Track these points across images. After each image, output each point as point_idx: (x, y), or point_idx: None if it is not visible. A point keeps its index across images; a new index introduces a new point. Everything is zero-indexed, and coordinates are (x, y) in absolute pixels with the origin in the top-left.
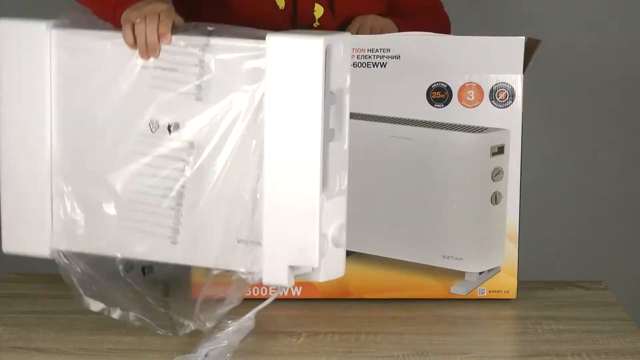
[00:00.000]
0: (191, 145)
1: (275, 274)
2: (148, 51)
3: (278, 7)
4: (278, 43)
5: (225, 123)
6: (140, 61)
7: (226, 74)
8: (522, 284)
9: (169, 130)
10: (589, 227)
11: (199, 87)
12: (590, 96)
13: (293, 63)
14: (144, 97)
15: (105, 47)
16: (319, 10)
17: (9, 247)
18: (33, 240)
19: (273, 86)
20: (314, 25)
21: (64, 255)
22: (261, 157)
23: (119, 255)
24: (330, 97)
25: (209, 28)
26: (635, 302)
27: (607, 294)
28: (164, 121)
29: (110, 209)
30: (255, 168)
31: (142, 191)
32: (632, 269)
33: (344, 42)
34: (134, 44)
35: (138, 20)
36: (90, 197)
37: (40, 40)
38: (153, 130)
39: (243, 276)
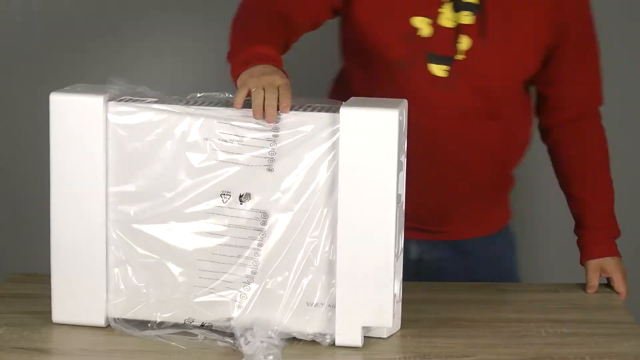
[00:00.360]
0: (264, 214)
1: (348, 335)
2: (266, 116)
3: (419, 34)
4: (352, 115)
5: (296, 192)
6: (207, 134)
7: (298, 145)
8: (526, 287)
9: (241, 200)
10: None
11: (270, 159)
12: None
13: (368, 134)
14: (215, 168)
15: (169, 120)
16: (464, 42)
17: (60, 318)
18: (87, 309)
19: (347, 156)
20: (459, 57)
21: (121, 321)
22: (332, 223)
23: (184, 322)
24: (399, 165)
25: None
26: None
27: (613, 296)
28: (236, 192)
29: (179, 276)
30: (326, 234)
31: (213, 260)
32: (639, 272)
33: (405, 109)
34: (241, 104)
35: (255, 90)
36: (154, 266)
37: (96, 114)
38: (225, 201)
39: (315, 339)
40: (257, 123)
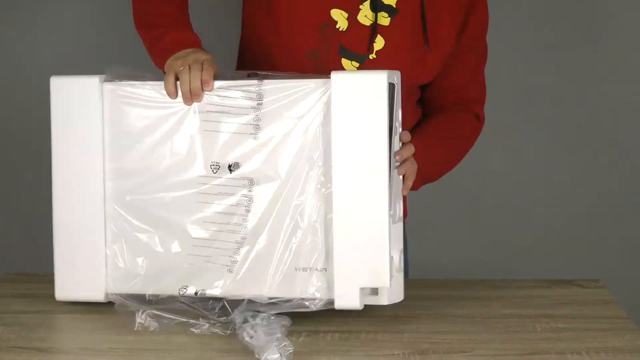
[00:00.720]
0: (250, 181)
1: (347, 297)
2: (192, 97)
3: (336, 27)
4: (343, 79)
5: (281, 158)
6: (196, 107)
7: (282, 111)
8: (520, 283)
9: (230, 169)
10: (586, 225)
11: (256, 126)
12: (588, 93)
13: (359, 97)
14: (203, 140)
15: (158, 97)
16: (379, 42)
17: (62, 294)
18: (87, 285)
19: (339, 120)
20: (371, 57)
21: (120, 296)
22: (318, 187)
23: (179, 293)
24: (394, 129)
25: (258, 73)
26: (633, 300)
27: (605, 292)
28: (225, 161)
29: (174, 248)
30: (312, 198)
31: (205, 228)
32: (629, 268)
33: (398, 77)
34: (174, 93)
35: (182, 69)
36: (150, 239)
37: (93, 94)
38: (214, 171)
39: (305, 302)
40: (243, 91)
